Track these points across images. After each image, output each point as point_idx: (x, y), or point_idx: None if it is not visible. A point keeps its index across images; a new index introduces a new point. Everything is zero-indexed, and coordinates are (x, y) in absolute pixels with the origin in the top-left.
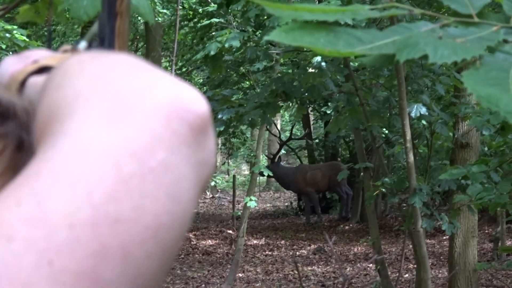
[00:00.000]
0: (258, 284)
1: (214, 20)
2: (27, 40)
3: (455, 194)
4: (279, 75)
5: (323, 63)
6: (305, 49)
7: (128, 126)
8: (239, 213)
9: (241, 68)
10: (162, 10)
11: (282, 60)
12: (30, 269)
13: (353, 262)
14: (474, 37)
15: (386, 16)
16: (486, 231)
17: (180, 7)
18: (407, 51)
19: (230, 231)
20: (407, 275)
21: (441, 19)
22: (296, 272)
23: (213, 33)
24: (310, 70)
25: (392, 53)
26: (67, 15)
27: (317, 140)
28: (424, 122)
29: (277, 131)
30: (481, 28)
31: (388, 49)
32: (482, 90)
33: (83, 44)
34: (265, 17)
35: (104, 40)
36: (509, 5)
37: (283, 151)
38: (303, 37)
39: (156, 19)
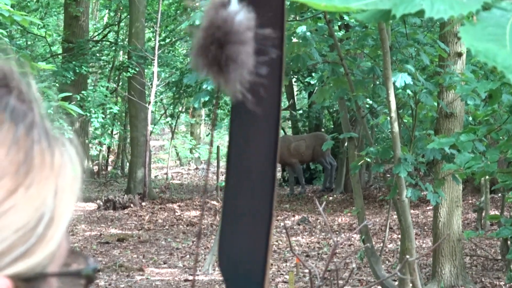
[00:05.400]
0: None
1: None
2: (12, 10)
3: (440, 164)
4: None
5: (307, 33)
6: (289, 19)
7: None
8: (223, 184)
9: None
10: None
11: None
12: None
13: (337, 232)
14: None
15: None
16: (470, 201)
17: None
18: (403, 6)
19: (214, 202)
20: (391, 245)
21: None
22: (280, 242)
23: (197, 3)
24: (295, 40)
25: (388, 9)
26: None
27: (300, 111)
28: (409, 91)
29: None
30: None
31: (384, 5)
32: (479, 45)
33: None
34: None
35: None
36: None
37: None
38: None
39: None
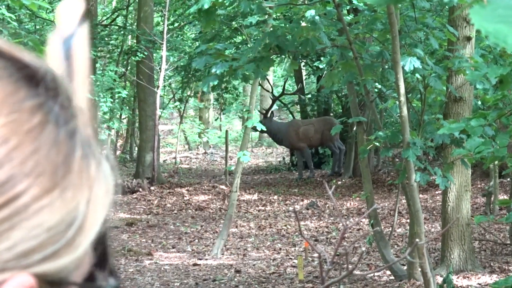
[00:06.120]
0: (251, 239)
1: None
2: None
3: (449, 148)
4: (272, 29)
5: (316, 17)
6: (298, 3)
7: None
8: (232, 168)
9: (234, 22)
10: None
11: (275, 15)
12: None
13: (346, 216)
14: None
15: None
16: (479, 186)
17: None
18: None
19: (223, 186)
20: (400, 229)
21: None
22: (289, 226)
23: None
24: (303, 24)
25: None
26: None
27: (309, 95)
28: (417, 76)
29: (270, 87)
30: None
31: None
32: (489, 26)
33: None
34: None
35: None
36: None
37: (275, 107)
38: None
39: None
